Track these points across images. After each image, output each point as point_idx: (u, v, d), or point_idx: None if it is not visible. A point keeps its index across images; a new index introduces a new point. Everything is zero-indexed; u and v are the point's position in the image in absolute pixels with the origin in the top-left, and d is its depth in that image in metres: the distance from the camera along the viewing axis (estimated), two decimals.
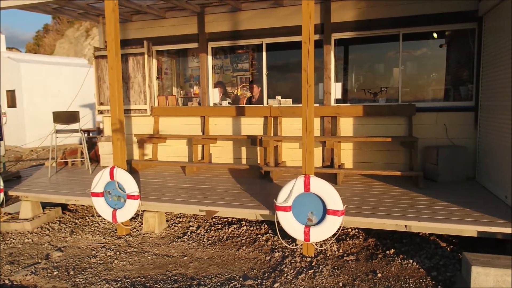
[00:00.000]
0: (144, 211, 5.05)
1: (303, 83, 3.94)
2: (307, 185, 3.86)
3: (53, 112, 6.39)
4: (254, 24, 6.71)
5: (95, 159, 7.82)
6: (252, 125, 6.86)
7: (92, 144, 13.04)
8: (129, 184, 4.60)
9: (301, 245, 4.21)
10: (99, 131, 9.45)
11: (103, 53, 7.47)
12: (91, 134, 14.79)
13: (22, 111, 14.47)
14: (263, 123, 6.79)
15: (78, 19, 7.48)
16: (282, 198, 3.96)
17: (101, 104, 7.66)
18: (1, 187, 5.35)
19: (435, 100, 6.71)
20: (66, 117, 6.47)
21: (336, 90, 6.42)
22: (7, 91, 14.85)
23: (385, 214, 3.99)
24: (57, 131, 6.61)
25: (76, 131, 6.68)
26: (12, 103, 14.78)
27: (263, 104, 6.93)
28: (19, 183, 6.12)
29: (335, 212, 3.78)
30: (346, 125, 6.34)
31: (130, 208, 4.61)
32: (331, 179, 5.75)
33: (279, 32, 6.57)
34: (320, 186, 3.85)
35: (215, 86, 7.54)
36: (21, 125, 14.57)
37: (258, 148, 6.36)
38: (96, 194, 4.71)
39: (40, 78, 14.45)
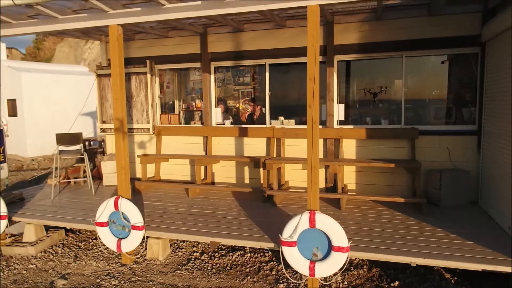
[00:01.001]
0: (148, 237, 5.06)
1: (308, 118, 3.95)
2: (312, 221, 3.87)
3: (56, 134, 6.40)
4: (257, 45, 6.71)
5: (97, 176, 7.83)
6: (255, 145, 6.87)
7: (93, 153, 13.05)
8: (134, 214, 4.61)
9: (306, 279, 4.23)
10: (101, 145, 9.44)
11: (105, 71, 7.47)
12: (92, 143, 14.82)
13: (22, 120, 14.47)
14: (266, 144, 6.81)
15: (80, 38, 7.48)
16: (287, 234, 3.97)
17: (104, 122, 7.66)
18: (5, 214, 5.35)
19: (437, 118, 6.73)
20: (69, 139, 6.48)
21: (339, 111, 6.43)
22: (8, 100, 14.84)
23: (390, 249, 4.00)
24: (60, 152, 6.62)
25: (79, 152, 6.69)
26: (13, 112, 14.77)
27: (265, 121, 6.93)
28: (22, 205, 6.12)
29: (340, 249, 3.80)
30: (349, 147, 6.35)
31: (134, 239, 4.62)
32: (335, 203, 5.78)
33: (282, 53, 6.57)
34: (325, 222, 3.86)
35: (217, 104, 7.54)
36: (22, 134, 14.57)
37: (261, 170, 6.36)
38: (101, 224, 4.72)
39: (41, 86, 14.44)
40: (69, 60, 29.94)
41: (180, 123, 7.83)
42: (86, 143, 14.46)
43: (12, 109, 14.76)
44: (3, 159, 6.24)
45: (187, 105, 10.04)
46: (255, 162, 6.10)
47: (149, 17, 4.34)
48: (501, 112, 4.81)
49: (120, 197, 4.67)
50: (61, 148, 6.56)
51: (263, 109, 7.20)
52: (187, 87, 10.26)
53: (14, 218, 5.60)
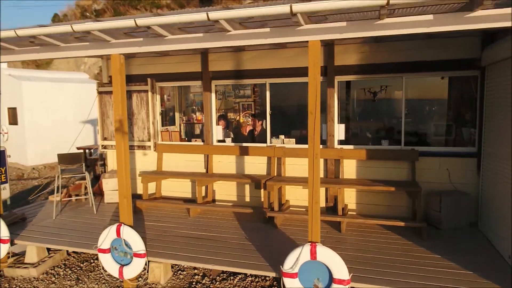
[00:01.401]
0: (150, 261, 5.08)
1: (309, 152, 3.98)
2: (313, 254, 3.90)
3: (58, 155, 6.42)
4: (258, 64, 6.74)
5: (98, 193, 7.85)
6: (256, 164, 6.89)
7: (93, 163, 13.03)
8: (136, 242, 4.64)
9: None
10: (102, 157, 9.44)
11: (106, 89, 7.50)
12: (92, 152, 14.83)
13: (23, 128, 14.47)
14: (267, 162, 6.83)
15: (81, 57, 7.50)
16: (288, 265, 4.00)
17: (105, 139, 7.69)
18: (7, 237, 5.37)
19: (437, 136, 6.78)
20: (70, 159, 6.51)
21: (339, 131, 6.46)
22: (9, 108, 14.85)
23: (390, 280, 4.03)
24: (62, 171, 6.65)
25: (81, 171, 6.72)
26: (13, 120, 14.78)
27: (266, 138, 6.94)
28: (24, 226, 6.15)
29: (341, 282, 3.83)
30: (349, 167, 6.38)
31: (136, 266, 4.65)
32: (335, 225, 5.81)
33: (283, 73, 6.59)
34: (326, 255, 3.89)
35: (218, 119, 7.56)
36: (22, 142, 14.58)
37: (262, 190, 6.38)
38: (103, 251, 4.75)
39: (41, 95, 14.44)
40: (69, 64, 29.92)
41: (181, 137, 7.85)
42: (87, 151, 14.54)
43: (13, 117, 14.77)
44: (5, 180, 6.27)
45: (187, 117, 10.07)
46: (256, 183, 6.13)
47: (150, 48, 4.37)
48: (501, 135, 4.84)
49: (122, 224, 4.70)
50: (63, 167, 6.57)
51: (264, 124, 7.22)
52: (187, 99, 10.30)
53: (16, 241, 5.62)
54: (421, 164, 6.03)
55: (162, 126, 7.93)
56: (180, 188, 7.37)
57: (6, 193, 6.28)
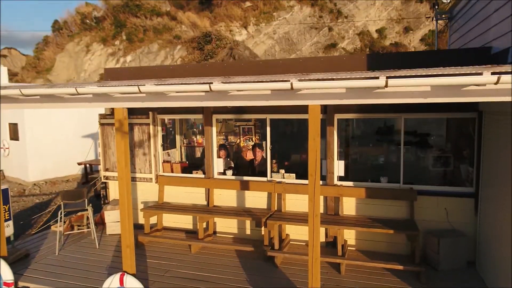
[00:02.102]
0: None
1: (309, 212, 4.05)
2: None
3: (60, 192, 6.49)
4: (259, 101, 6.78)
5: (100, 222, 7.92)
6: (256, 197, 6.97)
7: (93, 180, 13.03)
8: None
9: None
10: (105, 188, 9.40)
11: (108, 120, 7.57)
12: (93, 168, 14.91)
13: (24, 144, 14.55)
14: (267, 197, 6.91)
15: (86, 107, 7.55)
16: None
17: (107, 170, 7.76)
18: (11, 281, 5.44)
19: (435, 171, 6.84)
20: (73, 195, 6.58)
21: (339, 168, 6.53)
22: (10, 123, 14.92)
23: None
24: (65, 206, 6.72)
25: (83, 206, 6.79)
26: (14, 136, 14.86)
27: (266, 167, 7.00)
28: (27, 263, 6.21)
29: None
30: (349, 203, 6.46)
31: None
32: (335, 265, 5.88)
33: (283, 109, 6.62)
34: None
35: (218, 149, 7.62)
36: (24, 158, 14.65)
37: (263, 228, 6.45)
38: None
39: (43, 111, 14.49)
40: (69, 71, 29.98)
41: (181, 162, 7.90)
42: (87, 166, 14.61)
43: (14, 133, 14.84)
44: (8, 217, 6.34)
45: (188, 140, 10.13)
46: (257, 222, 6.21)
47: (153, 104, 4.44)
48: (499, 177, 4.90)
49: (125, 273, 4.77)
50: (65, 202, 6.65)
51: (264, 153, 7.28)
52: (188, 122, 10.36)
53: (20, 283, 5.69)
54: (419, 203, 6.10)
55: (163, 150, 8.00)
56: (181, 219, 7.43)
57: (9, 230, 6.35)
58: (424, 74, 3.09)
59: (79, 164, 14.46)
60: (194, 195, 7.37)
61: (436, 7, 8.24)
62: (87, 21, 28.97)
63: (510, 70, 2.84)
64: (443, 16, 8.14)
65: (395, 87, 3.22)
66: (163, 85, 3.76)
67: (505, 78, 2.81)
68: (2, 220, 5.76)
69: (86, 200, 6.77)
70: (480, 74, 2.92)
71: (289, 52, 34.80)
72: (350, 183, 6.48)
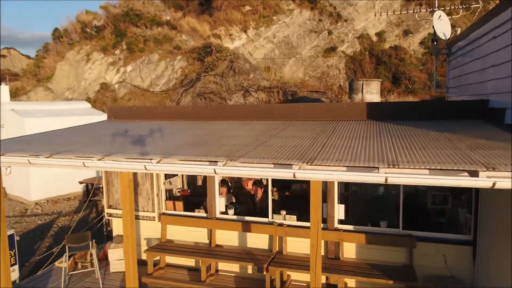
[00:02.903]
0: None
1: (311, 284, 4.16)
2: None
3: (65, 235, 6.60)
4: None
5: (103, 258, 8.02)
6: (258, 238, 7.08)
7: (96, 202, 13.12)
8: None
9: None
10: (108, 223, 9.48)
11: None
12: (94, 188, 14.99)
13: None
14: (269, 238, 7.01)
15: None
16: None
17: (110, 207, 7.86)
18: None
19: (434, 216, 6.95)
20: (78, 239, 6.69)
21: (339, 211, 6.64)
22: None
23: None
24: (70, 249, 6.83)
25: (87, 249, 6.90)
26: None
27: (267, 205, 7.10)
28: None
29: None
30: (349, 247, 6.56)
31: None
32: None
33: None
34: None
35: (220, 185, 7.71)
36: (26, 177, 14.76)
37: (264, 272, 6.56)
38: None
39: (45, 130, 14.59)
40: (69, 79, 30.00)
41: (183, 190, 7.98)
42: (89, 184, 14.70)
43: None
44: (14, 262, 6.45)
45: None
46: (258, 267, 6.32)
47: (161, 169, 4.53)
48: (497, 226, 5.00)
49: None
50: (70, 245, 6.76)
51: (265, 191, 7.39)
52: None
53: None
54: (419, 249, 6.21)
55: (165, 178, 8.11)
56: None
57: (15, 275, 6.47)
58: (423, 168, 3.19)
59: (81, 183, 14.56)
60: (197, 233, 7.48)
61: (435, 42, 8.32)
62: (88, 29, 29.01)
63: (508, 176, 2.94)
64: (442, 51, 8.22)
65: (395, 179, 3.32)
66: (169, 165, 3.87)
67: (500, 183, 2.91)
68: (8, 267, 5.88)
69: (90, 242, 6.88)
70: (476, 175, 3.02)
71: (288, 56, 34.87)
72: (351, 227, 6.59)
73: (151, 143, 5.10)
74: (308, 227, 4.28)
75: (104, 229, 9.94)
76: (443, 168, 3.11)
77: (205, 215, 7.48)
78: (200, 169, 3.77)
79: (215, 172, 3.71)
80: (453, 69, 7.98)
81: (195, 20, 31.01)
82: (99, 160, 4.19)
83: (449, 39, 7.99)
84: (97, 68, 28.40)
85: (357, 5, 37.14)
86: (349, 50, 36.41)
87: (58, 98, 28.83)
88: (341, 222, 6.69)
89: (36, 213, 14.06)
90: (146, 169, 3.93)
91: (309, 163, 3.54)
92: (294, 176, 3.45)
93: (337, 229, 6.58)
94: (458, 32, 7.83)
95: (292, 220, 6.95)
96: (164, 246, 7.36)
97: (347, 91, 31.85)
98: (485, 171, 2.99)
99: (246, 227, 6.98)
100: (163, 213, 7.67)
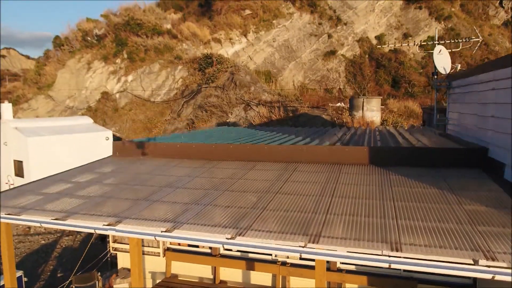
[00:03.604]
0: None
1: None
2: None
3: (73, 277, 6.73)
4: None
5: None
6: (262, 275, 7.20)
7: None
8: None
9: None
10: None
11: None
12: None
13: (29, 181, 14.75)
14: (272, 275, 7.14)
15: None
16: None
17: (115, 241, 7.98)
18: None
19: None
20: (84, 280, 6.82)
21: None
22: (15, 160, 15.14)
23: None
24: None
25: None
26: (19, 172, 15.07)
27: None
28: None
29: None
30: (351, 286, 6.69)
31: None
32: None
33: None
34: None
35: None
36: None
37: None
38: None
39: (47, 149, 14.74)
40: (70, 87, 30.10)
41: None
42: None
43: (19, 170, 15.06)
44: None
45: None
46: None
47: (166, 239, 4.63)
48: None
49: None
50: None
51: None
52: None
53: None
54: None
55: None
56: None
57: None
58: (423, 264, 3.30)
59: None
60: (201, 268, 7.60)
61: (435, 76, 8.41)
62: (89, 38, 29.06)
63: (508, 270, 3.04)
64: (442, 84, 8.32)
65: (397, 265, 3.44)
66: (176, 238, 3.98)
67: (499, 277, 3.02)
68: None
69: (96, 282, 7.00)
70: (476, 265, 3.13)
71: (288, 59, 34.99)
72: (352, 267, 6.71)
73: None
74: (312, 266, 4.39)
75: (108, 256, 10.07)
76: (445, 260, 3.22)
77: (209, 250, 7.59)
78: (208, 244, 3.87)
79: (223, 247, 3.81)
80: (453, 103, 8.08)
81: (195, 25, 31.08)
82: (111, 230, 4.30)
83: (448, 73, 8.09)
84: (98, 77, 28.49)
85: (357, 8, 37.21)
86: (349, 54, 36.53)
87: (58, 106, 28.98)
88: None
89: (39, 231, 14.17)
90: (156, 239, 4.04)
91: (314, 243, 3.65)
92: (300, 256, 3.56)
93: (339, 270, 6.69)
94: (458, 68, 7.93)
95: (295, 258, 7.06)
96: (169, 283, 7.48)
97: (346, 94, 31.96)
98: (484, 260, 3.11)
99: (250, 265, 7.10)
100: (168, 248, 7.78)
